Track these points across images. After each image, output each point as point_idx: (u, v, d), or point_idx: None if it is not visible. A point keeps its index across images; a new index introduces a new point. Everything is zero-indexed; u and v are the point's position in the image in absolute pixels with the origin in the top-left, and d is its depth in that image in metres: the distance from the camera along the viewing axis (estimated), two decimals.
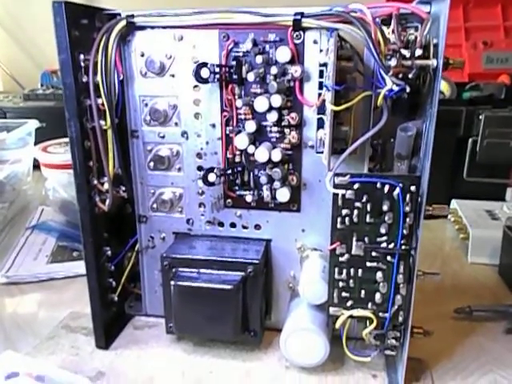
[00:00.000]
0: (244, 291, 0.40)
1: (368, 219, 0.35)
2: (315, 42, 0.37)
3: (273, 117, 0.38)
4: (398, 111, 0.36)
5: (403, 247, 0.34)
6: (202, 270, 0.41)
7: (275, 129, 0.39)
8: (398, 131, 0.35)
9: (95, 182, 0.41)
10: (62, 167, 0.72)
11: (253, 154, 0.39)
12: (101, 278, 0.43)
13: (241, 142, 0.39)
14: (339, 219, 0.35)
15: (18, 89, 1.25)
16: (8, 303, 0.53)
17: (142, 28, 0.39)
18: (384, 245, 0.35)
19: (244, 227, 0.44)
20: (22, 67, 1.32)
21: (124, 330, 0.47)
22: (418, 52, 0.31)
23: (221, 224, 0.44)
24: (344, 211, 0.35)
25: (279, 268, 0.44)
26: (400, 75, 0.32)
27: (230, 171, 0.41)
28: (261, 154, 0.39)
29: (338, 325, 0.37)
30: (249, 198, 0.42)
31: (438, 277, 0.38)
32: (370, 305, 0.37)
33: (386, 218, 0.34)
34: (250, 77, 0.37)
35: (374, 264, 0.35)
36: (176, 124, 0.42)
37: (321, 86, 0.37)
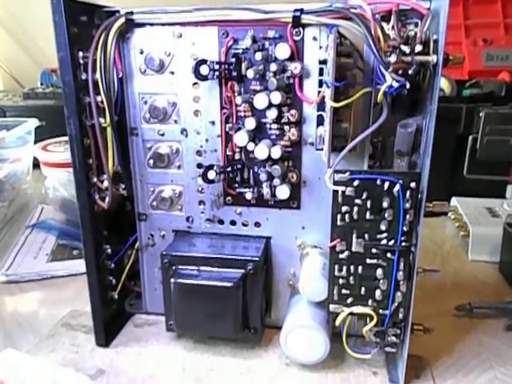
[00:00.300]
0: (244, 288, 0.40)
1: (368, 216, 0.34)
2: (315, 38, 0.37)
3: (272, 114, 0.38)
4: (398, 108, 0.36)
5: (403, 244, 0.34)
6: (202, 268, 0.41)
7: (275, 126, 0.39)
8: (398, 127, 0.35)
9: (95, 179, 0.41)
10: (62, 166, 0.72)
11: (252, 152, 0.39)
12: (101, 276, 0.43)
13: (240, 139, 0.39)
14: (339, 216, 0.35)
15: (17, 87, 1.25)
16: (8, 302, 0.53)
17: (141, 25, 0.39)
18: (384, 242, 0.35)
19: (244, 225, 0.44)
20: (21, 66, 1.32)
21: (124, 328, 0.47)
22: (418, 48, 0.31)
23: (221, 221, 0.44)
24: (344, 208, 0.35)
25: (279, 265, 0.44)
26: (400, 71, 0.32)
27: (229, 168, 0.41)
28: (260, 151, 0.39)
29: (338, 322, 0.37)
30: (249, 196, 0.42)
31: (438, 274, 0.38)
32: (370, 302, 0.36)
33: (386, 215, 0.34)
34: (250, 74, 0.37)
35: (374, 261, 0.35)
36: (175, 121, 0.42)
37: (321, 82, 0.37)
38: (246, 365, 0.42)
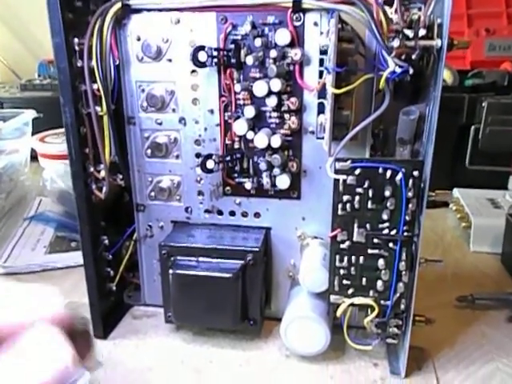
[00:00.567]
0: (243, 280, 0.40)
1: (370, 205, 0.34)
2: (315, 24, 0.36)
3: (272, 102, 0.37)
4: (400, 95, 0.35)
5: (406, 234, 0.34)
6: (201, 259, 0.40)
7: (275, 114, 0.39)
8: (401, 115, 0.34)
9: (91, 169, 0.40)
10: (60, 157, 0.71)
11: (252, 140, 0.39)
12: (98, 268, 0.43)
13: (240, 127, 0.38)
14: (340, 205, 0.34)
15: (14, 79, 1.23)
16: None
17: (138, 11, 0.38)
18: (386, 231, 0.34)
19: (243, 215, 0.43)
20: (18, 57, 1.30)
21: (122, 320, 0.46)
22: (422, 32, 0.30)
23: (220, 212, 0.43)
24: (345, 197, 0.34)
25: (279, 256, 0.43)
26: (403, 57, 0.31)
27: (228, 158, 0.40)
28: (260, 140, 0.38)
29: (339, 313, 0.37)
30: (248, 186, 0.41)
31: (440, 264, 0.37)
32: (371, 292, 0.36)
33: (388, 204, 0.33)
34: (249, 60, 0.36)
35: (376, 251, 0.35)
36: (173, 110, 0.41)
37: (321, 70, 0.36)
38: (246, 356, 0.41)
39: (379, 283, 0.35)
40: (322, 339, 0.39)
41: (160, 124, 0.42)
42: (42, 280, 0.55)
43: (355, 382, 0.38)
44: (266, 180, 0.40)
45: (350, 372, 0.39)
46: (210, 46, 0.37)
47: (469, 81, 0.77)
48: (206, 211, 0.43)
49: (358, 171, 0.33)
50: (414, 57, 0.31)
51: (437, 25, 0.31)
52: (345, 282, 0.36)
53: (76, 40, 0.37)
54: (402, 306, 0.36)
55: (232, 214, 0.43)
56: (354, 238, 0.35)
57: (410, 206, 0.33)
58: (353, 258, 0.36)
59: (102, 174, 0.40)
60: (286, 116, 0.38)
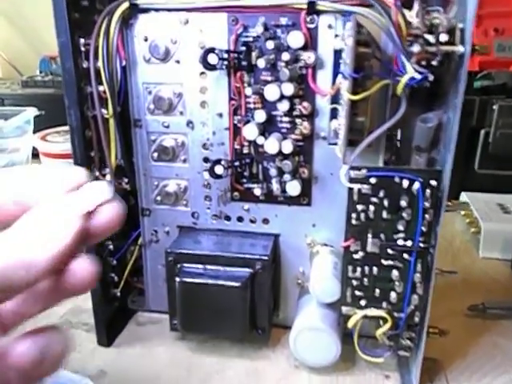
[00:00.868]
0: (252, 288, 0.39)
1: (385, 215, 0.33)
2: (330, 26, 0.34)
3: (284, 106, 0.36)
4: (416, 101, 0.34)
5: (421, 245, 0.33)
6: (208, 266, 0.39)
7: (286, 119, 0.37)
8: (418, 122, 0.33)
9: (97, 173, 0.39)
10: (62, 157, 0.70)
11: (262, 146, 0.37)
12: (102, 273, 0.41)
13: (249, 132, 0.37)
14: (354, 215, 0.33)
15: (16, 75, 1.22)
16: None
17: (146, 11, 0.37)
18: (401, 242, 0.33)
19: (252, 221, 0.42)
20: (20, 53, 1.29)
21: (127, 327, 0.45)
22: (444, 37, 0.29)
23: (227, 218, 0.42)
24: (359, 207, 0.33)
25: (288, 264, 0.42)
26: (422, 62, 0.30)
27: (237, 163, 0.39)
28: (271, 145, 0.37)
29: (350, 325, 0.36)
30: (257, 191, 0.40)
31: (455, 275, 0.36)
32: (384, 304, 0.35)
33: (404, 215, 0.32)
34: (261, 63, 0.35)
35: (390, 262, 0.34)
36: (181, 113, 0.40)
37: (335, 73, 0.35)
38: (253, 366, 0.40)
39: (393, 295, 0.34)
40: (332, 351, 0.38)
41: (167, 127, 0.40)
42: None
43: None
44: (275, 186, 0.39)
45: None
46: (220, 48, 0.36)
47: (477, 82, 0.76)
48: (214, 216, 0.42)
49: (373, 180, 0.32)
50: (434, 63, 0.29)
51: (459, 30, 0.29)
52: (357, 293, 0.35)
53: (82, 40, 0.36)
54: (416, 319, 0.35)
55: (240, 219, 0.42)
56: (368, 249, 0.34)
57: (427, 216, 0.32)
58: (366, 268, 0.34)
59: (108, 177, 0.39)
60: (298, 121, 0.37)
